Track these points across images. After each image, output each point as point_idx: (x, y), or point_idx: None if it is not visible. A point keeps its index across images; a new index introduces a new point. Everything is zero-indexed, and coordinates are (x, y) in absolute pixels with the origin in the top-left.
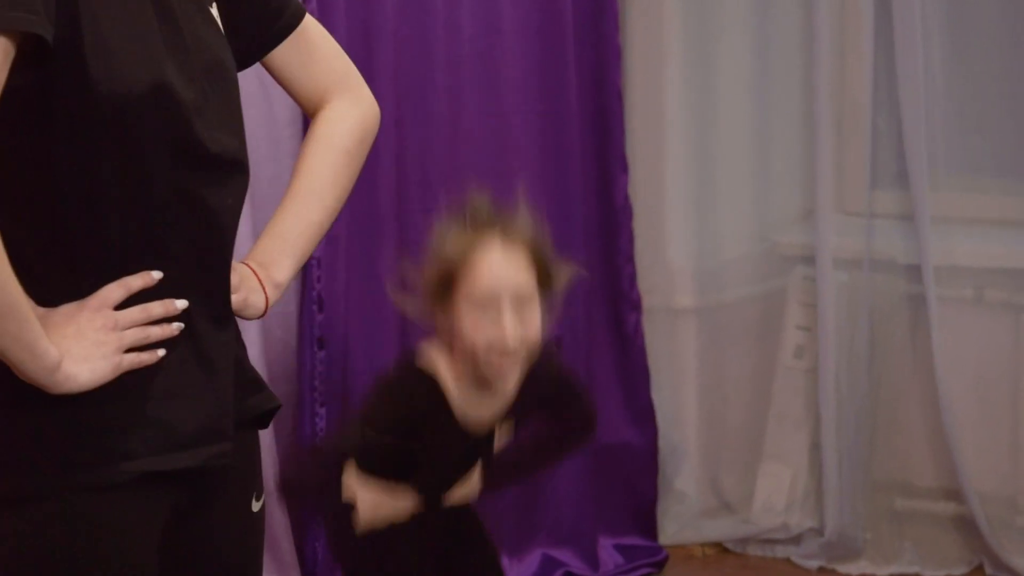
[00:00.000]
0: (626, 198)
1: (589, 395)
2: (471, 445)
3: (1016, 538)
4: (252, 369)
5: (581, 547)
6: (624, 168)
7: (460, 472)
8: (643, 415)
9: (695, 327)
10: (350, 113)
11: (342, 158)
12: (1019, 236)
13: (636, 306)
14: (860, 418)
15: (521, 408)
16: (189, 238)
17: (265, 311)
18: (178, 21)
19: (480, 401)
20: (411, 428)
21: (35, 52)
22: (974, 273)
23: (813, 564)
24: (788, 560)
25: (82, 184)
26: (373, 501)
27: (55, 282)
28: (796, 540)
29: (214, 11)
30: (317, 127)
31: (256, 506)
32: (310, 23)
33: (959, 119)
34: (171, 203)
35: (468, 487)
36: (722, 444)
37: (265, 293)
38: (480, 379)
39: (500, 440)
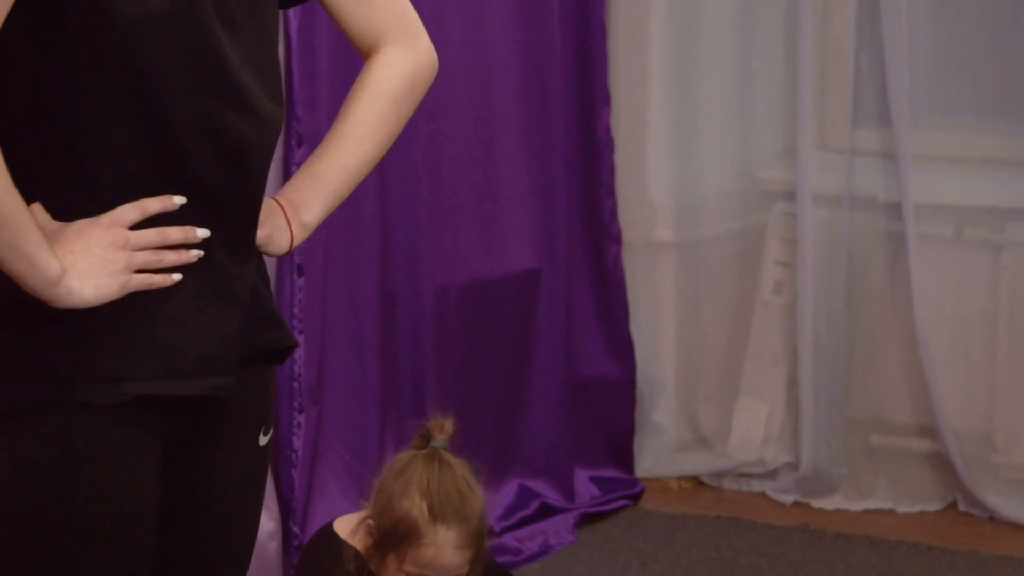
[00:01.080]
0: (608, 131)
1: None
2: None
3: (990, 475)
4: (272, 305)
5: (558, 478)
6: (606, 101)
7: None
8: (621, 348)
9: (675, 261)
10: (401, 61)
11: (387, 106)
12: (999, 175)
13: (616, 239)
14: (837, 354)
15: None
16: (212, 165)
17: (289, 249)
18: None
19: None
20: None
21: None
22: (954, 211)
23: (788, 499)
24: (763, 494)
25: (98, 103)
26: None
27: (73, 202)
28: (772, 475)
29: None
30: (367, 72)
31: (263, 440)
32: None
33: (941, 58)
34: (193, 128)
35: None
36: (699, 379)
37: (291, 231)
38: None
39: None
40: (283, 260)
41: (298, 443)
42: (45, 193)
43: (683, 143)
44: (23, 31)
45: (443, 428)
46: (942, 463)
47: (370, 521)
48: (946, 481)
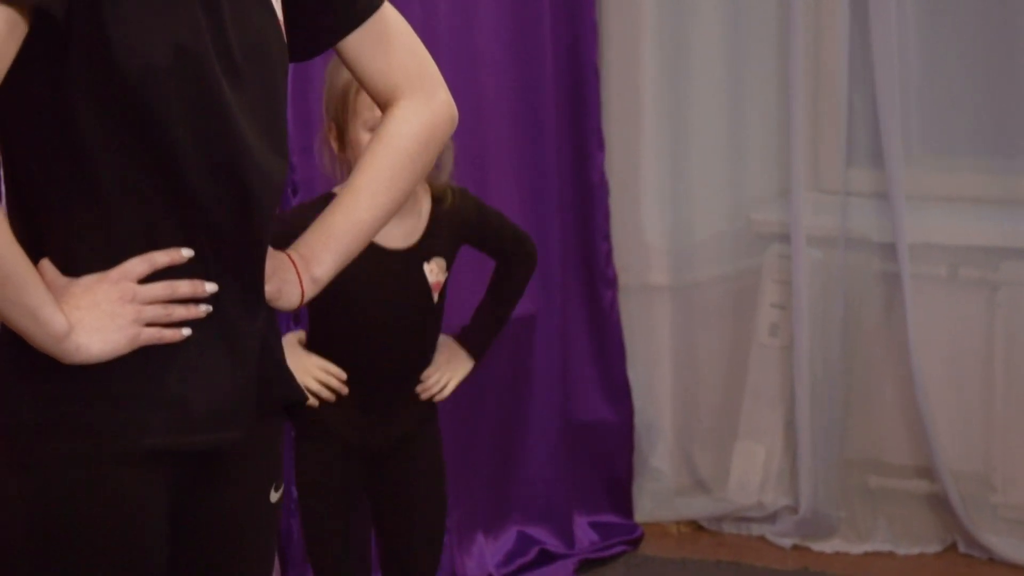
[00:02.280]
0: (602, 175)
1: (510, 221)
2: (393, 263)
3: (989, 516)
4: (282, 359)
5: (557, 524)
6: (600, 145)
7: (391, 292)
8: (618, 393)
9: (670, 305)
10: (418, 114)
11: (403, 161)
12: (993, 214)
13: (612, 283)
14: (834, 396)
15: (444, 241)
16: (219, 215)
17: (300, 304)
18: (213, 6)
19: (394, 223)
20: None
21: (51, 24)
22: (948, 251)
23: (787, 542)
24: (763, 538)
25: (106, 155)
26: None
27: (82, 255)
28: (771, 518)
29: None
30: (384, 126)
31: (274, 496)
32: (389, 12)
33: (933, 98)
34: (200, 177)
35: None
36: (697, 422)
37: (302, 286)
38: None
39: (433, 274)
40: None
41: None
42: (54, 246)
43: (677, 186)
44: (37, 82)
45: None
46: (941, 504)
47: (327, 126)
48: (945, 522)
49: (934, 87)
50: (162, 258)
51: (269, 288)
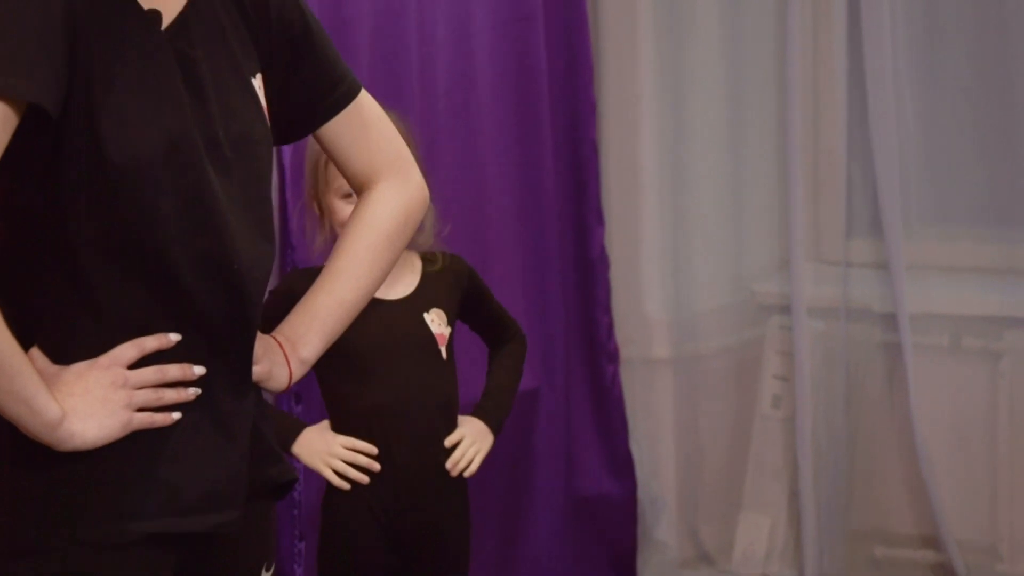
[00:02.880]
0: (602, 250)
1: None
2: (393, 312)
3: None
4: (272, 440)
5: None
6: (600, 220)
7: (396, 340)
8: (621, 466)
9: (672, 378)
10: (395, 197)
11: (382, 241)
12: (994, 284)
13: (613, 357)
14: (838, 467)
15: (440, 295)
16: (208, 302)
17: (288, 386)
18: (205, 88)
19: (387, 280)
20: None
21: (41, 115)
22: (950, 321)
23: None
24: None
25: (94, 245)
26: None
27: (72, 341)
28: None
29: (257, 82)
30: (362, 208)
31: None
32: (365, 100)
33: (932, 168)
34: (188, 266)
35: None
36: (701, 494)
37: (289, 368)
38: None
39: (435, 325)
40: None
41: (299, 570)
42: (44, 333)
43: (677, 259)
44: (26, 175)
45: None
46: (947, 574)
47: (306, 202)
48: None
49: (933, 157)
50: (151, 343)
51: (258, 370)
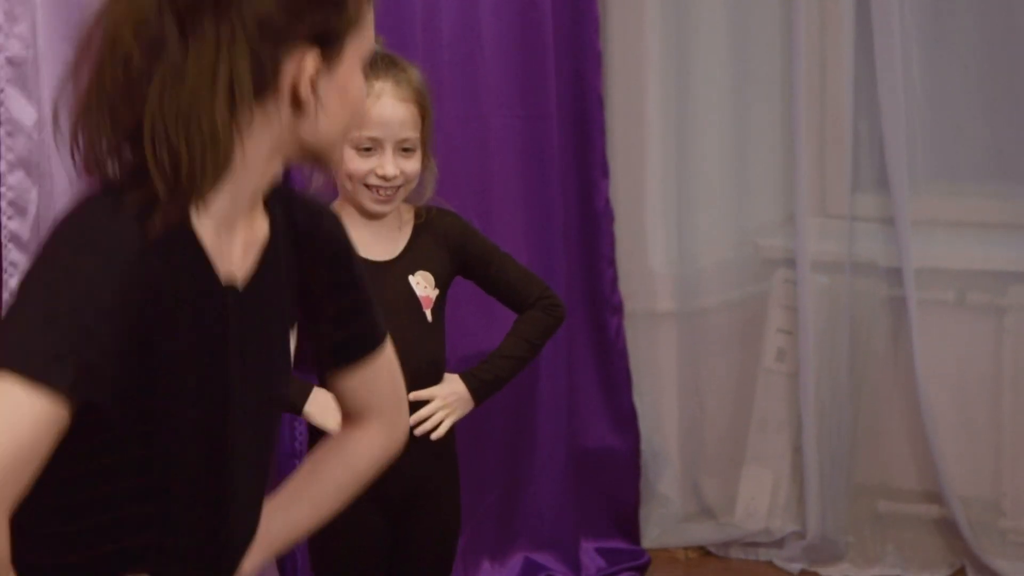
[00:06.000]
0: (607, 202)
1: (517, 263)
2: (376, 275)
3: (998, 541)
4: None
5: (563, 551)
6: (605, 173)
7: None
8: (625, 420)
9: (676, 331)
10: (382, 445)
11: (351, 482)
12: (1000, 239)
13: (617, 310)
14: (842, 421)
15: (428, 256)
16: (195, 554)
17: None
18: (249, 357)
19: (375, 238)
20: None
21: (95, 412)
22: (955, 276)
23: (795, 567)
24: (771, 563)
25: (95, 479)
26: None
27: (44, 536)
28: (779, 544)
29: (292, 333)
30: (346, 442)
31: None
32: (388, 349)
33: (938, 124)
34: (183, 526)
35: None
36: (704, 448)
37: None
38: (365, 213)
39: (420, 288)
40: None
41: None
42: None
43: (682, 213)
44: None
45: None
46: (949, 529)
47: None
48: (954, 547)
49: (939, 112)
50: None
51: None
